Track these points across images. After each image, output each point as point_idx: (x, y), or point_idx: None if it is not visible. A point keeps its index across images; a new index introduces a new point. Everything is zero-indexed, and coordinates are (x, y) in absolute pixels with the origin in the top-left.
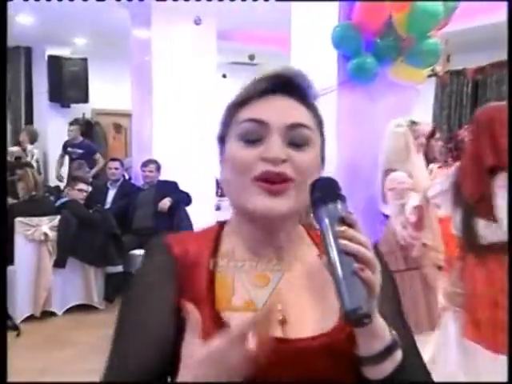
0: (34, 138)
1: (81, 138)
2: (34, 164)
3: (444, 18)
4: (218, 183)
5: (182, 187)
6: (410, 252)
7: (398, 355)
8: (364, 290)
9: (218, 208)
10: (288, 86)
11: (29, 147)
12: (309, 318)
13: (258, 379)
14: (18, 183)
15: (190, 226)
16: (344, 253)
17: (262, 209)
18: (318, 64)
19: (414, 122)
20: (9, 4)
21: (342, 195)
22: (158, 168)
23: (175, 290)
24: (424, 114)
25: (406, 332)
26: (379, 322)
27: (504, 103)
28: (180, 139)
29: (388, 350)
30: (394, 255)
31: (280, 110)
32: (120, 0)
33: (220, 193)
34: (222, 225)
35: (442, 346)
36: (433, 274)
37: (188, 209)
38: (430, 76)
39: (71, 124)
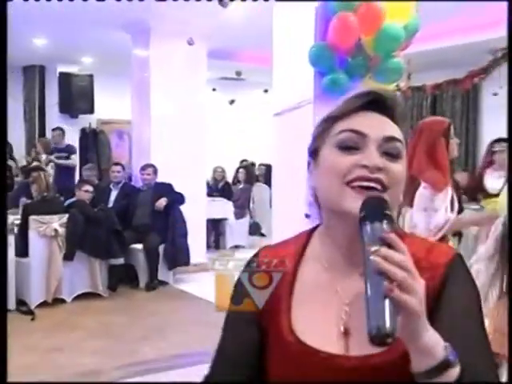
0: (48, 148)
1: (65, 142)
2: (50, 170)
3: (406, 41)
4: (208, 185)
5: (177, 188)
6: None
7: (454, 372)
8: (390, 310)
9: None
10: (382, 104)
11: (44, 157)
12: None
13: None
14: (32, 185)
15: (183, 222)
16: (376, 272)
17: (355, 211)
18: (297, 79)
19: None
20: (25, 28)
21: (388, 215)
22: (155, 171)
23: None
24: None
25: (479, 346)
26: (429, 338)
27: (437, 118)
28: (175, 145)
29: (439, 368)
30: None
31: (377, 124)
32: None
33: (209, 193)
34: (311, 231)
35: None
36: None
37: (182, 207)
38: (395, 91)
39: (54, 130)
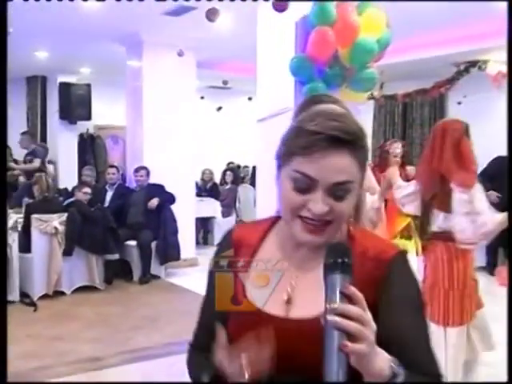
0: (46, 153)
1: (33, 146)
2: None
3: (379, 53)
4: (197, 185)
5: (168, 189)
6: None
7: (400, 378)
8: (343, 362)
9: None
10: (344, 141)
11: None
12: (311, 301)
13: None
14: (34, 186)
15: (174, 220)
16: (334, 328)
17: (302, 240)
18: (279, 88)
19: None
20: (28, 42)
21: (348, 266)
22: (148, 173)
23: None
24: (365, 130)
25: (418, 336)
26: (378, 363)
27: (454, 119)
28: (166, 149)
29: (389, 382)
30: None
31: (329, 168)
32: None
33: (198, 193)
34: (276, 219)
35: None
36: None
37: (173, 207)
38: (369, 99)
39: (22, 134)
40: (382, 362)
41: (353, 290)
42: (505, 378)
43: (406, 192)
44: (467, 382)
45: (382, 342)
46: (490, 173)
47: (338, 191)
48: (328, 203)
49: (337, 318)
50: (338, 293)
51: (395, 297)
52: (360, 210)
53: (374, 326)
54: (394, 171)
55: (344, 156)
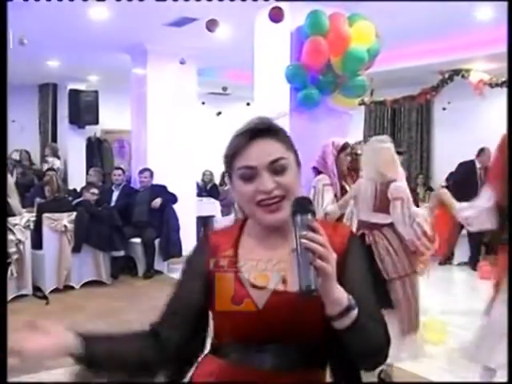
0: (55, 152)
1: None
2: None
3: (369, 62)
4: (198, 186)
5: (170, 189)
6: (417, 260)
7: (353, 314)
8: (314, 273)
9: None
10: (263, 131)
11: (50, 159)
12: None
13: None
14: (46, 187)
15: (176, 219)
16: (305, 248)
17: (267, 222)
18: (275, 94)
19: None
20: (40, 52)
21: (311, 210)
22: (152, 175)
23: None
24: (356, 134)
25: (369, 295)
26: (337, 292)
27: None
28: (169, 152)
29: (344, 311)
30: (402, 262)
31: (262, 152)
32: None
33: (198, 194)
34: (243, 222)
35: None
36: (417, 280)
37: (175, 206)
38: (360, 105)
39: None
40: (341, 292)
41: (317, 224)
42: None
43: (474, 212)
44: (476, 382)
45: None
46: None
47: (276, 168)
48: (273, 180)
49: (307, 241)
50: (305, 226)
51: (354, 261)
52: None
53: (334, 254)
54: (444, 191)
55: (268, 141)
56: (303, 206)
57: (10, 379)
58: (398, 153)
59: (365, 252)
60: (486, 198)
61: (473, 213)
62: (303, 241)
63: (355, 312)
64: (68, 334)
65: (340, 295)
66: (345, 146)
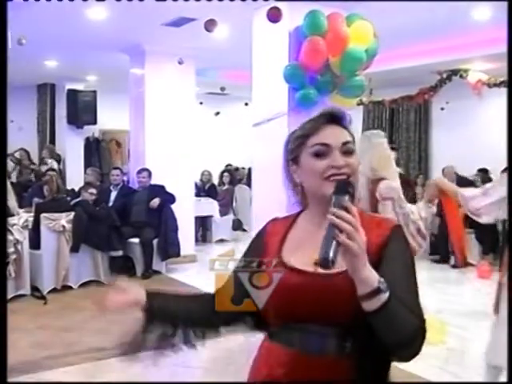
0: (52, 153)
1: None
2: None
3: (367, 62)
4: (196, 186)
5: (168, 189)
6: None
7: (383, 297)
8: (335, 247)
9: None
10: (336, 118)
11: (49, 160)
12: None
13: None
14: (45, 187)
15: (174, 219)
16: (331, 225)
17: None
18: (273, 94)
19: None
20: (39, 52)
21: (349, 191)
22: (150, 174)
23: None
24: (355, 134)
25: (407, 288)
26: (367, 273)
27: None
28: (167, 152)
29: (373, 293)
30: None
31: (336, 134)
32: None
33: (197, 194)
34: (300, 212)
35: None
36: None
37: (173, 206)
38: (358, 104)
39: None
40: (371, 272)
41: (349, 203)
42: None
43: (490, 201)
44: (476, 382)
45: None
46: None
47: (346, 149)
48: (343, 159)
49: (333, 217)
50: (340, 205)
51: (394, 254)
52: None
53: (363, 235)
54: (442, 178)
55: (337, 127)
56: (343, 187)
57: (10, 379)
58: (392, 149)
59: (407, 245)
60: (505, 186)
61: (488, 202)
62: (329, 216)
63: (385, 295)
64: (141, 291)
65: (370, 275)
66: None
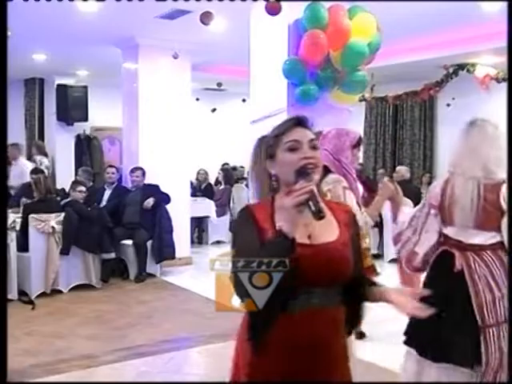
0: (41, 150)
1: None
2: (45, 170)
3: (369, 56)
4: (192, 186)
5: (163, 189)
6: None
7: None
8: (314, 203)
9: None
10: (301, 121)
11: (38, 157)
12: (323, 235)
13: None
14: (33, 186)
15: (169, 220)
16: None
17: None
18: (272, 90)
19: None
20: (26, 45)
21: (311, 177)
22: (144, 173)
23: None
24: (356, 131)
25: (359, 261)
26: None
27: None
28: (162, 150)
29: None
30: (504, 302)
31: (304, 133)
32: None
33: (193, 193)
34: (273, 199)
35: None
36: None
37: (168, 206)
38: (360, 101)
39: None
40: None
41: (310, 183)
42: None
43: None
44: (476, 382)
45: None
46: None
47: (313, 145)
48: (311, 152)
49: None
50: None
51: (355, 234)
52: None
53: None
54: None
55: (303, 128)
56: (305, 173)
57: (10, 379)
58: None
59: (359, 229)
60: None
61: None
62: (297, 186)
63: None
64: None
65: None
66: (360, 140)
